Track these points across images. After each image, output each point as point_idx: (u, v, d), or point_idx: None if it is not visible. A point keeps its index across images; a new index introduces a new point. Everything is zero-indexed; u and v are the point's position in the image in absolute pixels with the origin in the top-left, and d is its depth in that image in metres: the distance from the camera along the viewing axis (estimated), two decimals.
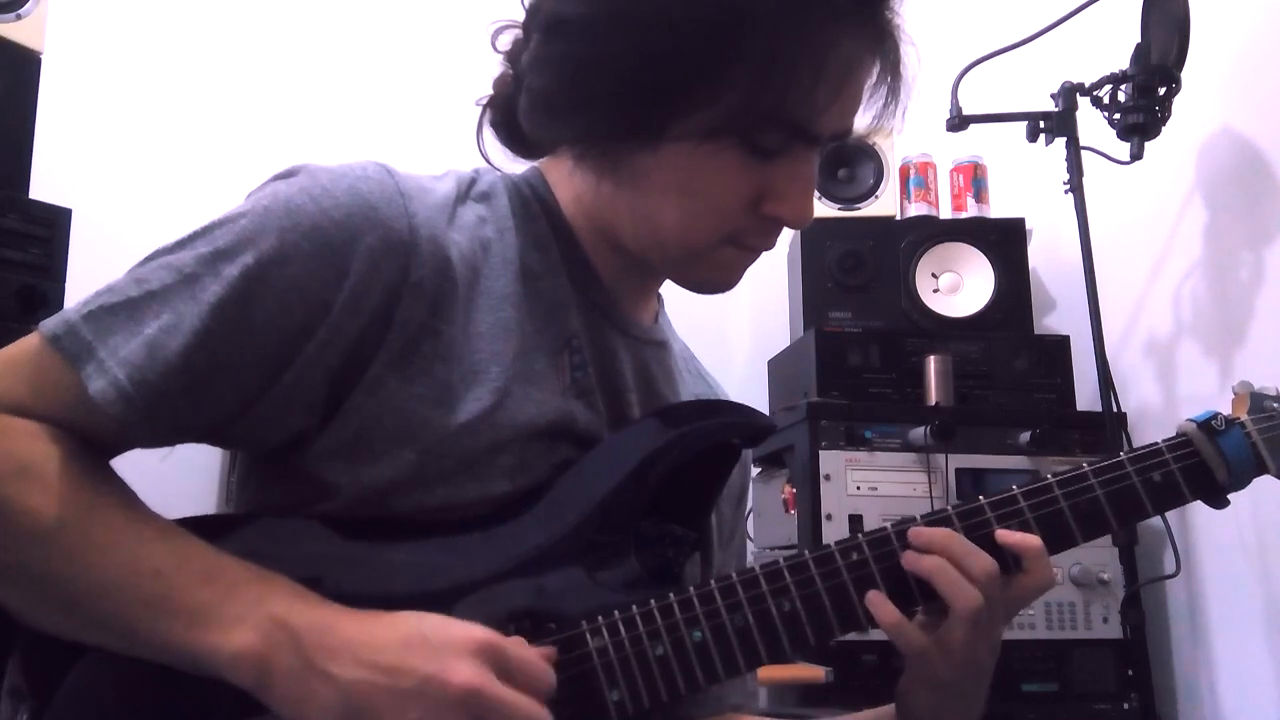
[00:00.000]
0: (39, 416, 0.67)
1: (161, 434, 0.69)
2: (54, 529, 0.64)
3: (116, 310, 0.67)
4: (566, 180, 0.81)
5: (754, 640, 0.71)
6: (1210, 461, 0.77)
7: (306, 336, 0.68)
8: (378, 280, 0.69)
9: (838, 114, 0.72)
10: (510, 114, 0.79)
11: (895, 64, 0.75)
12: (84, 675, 0.67)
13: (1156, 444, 0.78)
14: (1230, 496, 0.79)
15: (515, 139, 0.83)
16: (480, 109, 0.83)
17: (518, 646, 0.64)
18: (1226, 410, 0.80)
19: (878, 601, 0.73)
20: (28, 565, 0.65)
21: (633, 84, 0.69)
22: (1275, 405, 0.79)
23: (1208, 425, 0.77)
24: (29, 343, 0.69)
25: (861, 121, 0.76)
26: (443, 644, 0.61)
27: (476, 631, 0.62)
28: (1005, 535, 0.74)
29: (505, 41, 0.81)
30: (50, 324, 0.68)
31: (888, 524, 0.75)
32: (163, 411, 0.67)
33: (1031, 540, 0.74)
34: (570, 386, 0.77)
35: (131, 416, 0.66)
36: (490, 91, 0.83)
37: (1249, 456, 0.77)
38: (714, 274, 0.78)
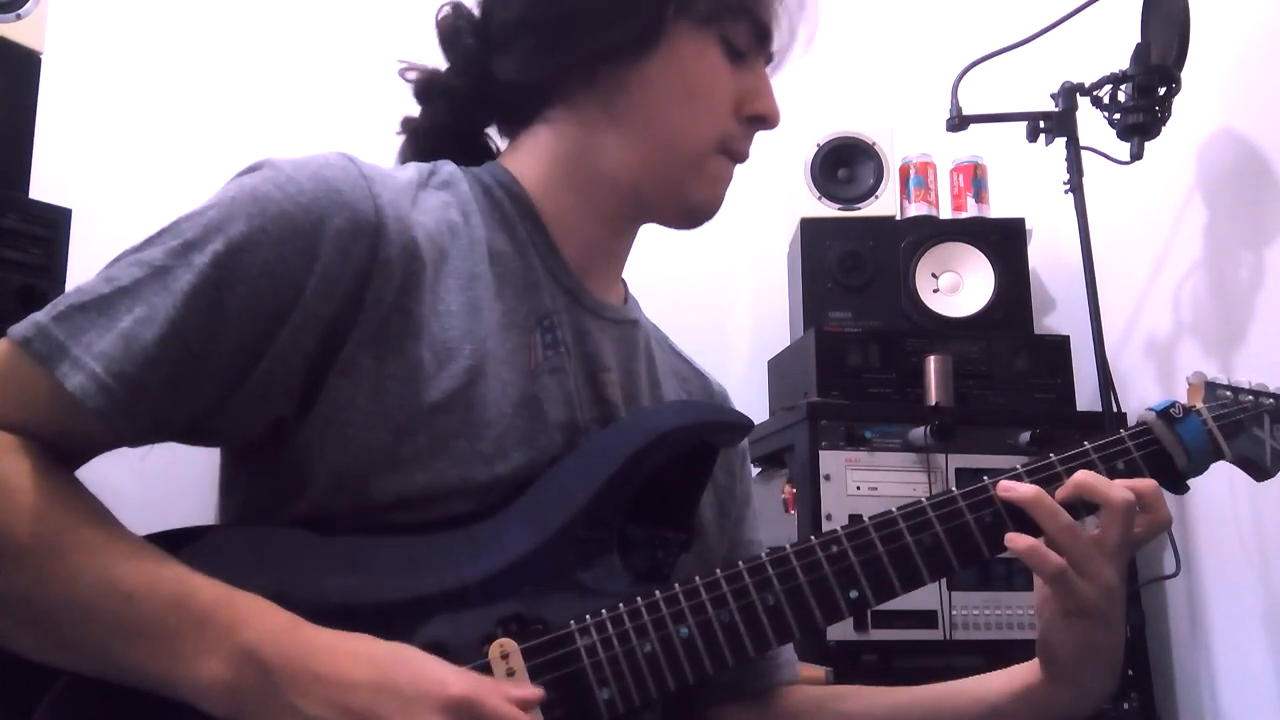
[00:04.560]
0: (12, 425, 0.66)
1: (143, 428, 0.69)
2: (27, 548, 0.63)
3: (87, 308, 0.67)
4: (532, 161, 0.84)
5: (740, 634, 0.71)
6: (1170, 448, 0.80)
7: (280, 321, 0.68)
8: (348, 262, 0.69)
9: (780, 17, 0.84)
10: (471, 100, 0.86)
11: None
12: (62, 701, 0.66)
13: (1119, 433, 0.80)
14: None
15: (496, 113, 0.88)
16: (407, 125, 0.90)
17: (495, 699, 0.61)
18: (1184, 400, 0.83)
19: (1012, 536, 0.75)
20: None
21: None
22: (1229, 394, 0.83)
23: (1166, 413, 0.81)
24: None
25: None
26: (415, 695, 0.59)
27: (453, 685, 0.60)
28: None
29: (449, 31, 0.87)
30: (19, 328, 0.67)
31: (865, 517, 0.76)
32: (143, 403, 0.67)
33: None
34: (541, 364, 0.78)
35: (113, 410, 0.66)
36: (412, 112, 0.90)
37: (1206, 442, 0.80)
38: (707, 190, 0.84)
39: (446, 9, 0.88)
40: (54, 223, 1.51)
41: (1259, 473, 0.82)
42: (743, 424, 0.83)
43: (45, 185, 1.60)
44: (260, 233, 0.68)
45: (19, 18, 1.58)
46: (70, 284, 1.54)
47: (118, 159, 2.13)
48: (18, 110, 1.58)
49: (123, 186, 2.10)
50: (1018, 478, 0.77)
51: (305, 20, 2.34)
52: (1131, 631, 1.62)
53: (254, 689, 0.60)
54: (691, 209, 0.85)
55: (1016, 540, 0.74)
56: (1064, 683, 0.79)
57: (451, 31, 0.87)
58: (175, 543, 0.67)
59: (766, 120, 0.84)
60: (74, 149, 2.04)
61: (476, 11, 0.86)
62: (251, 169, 0.72)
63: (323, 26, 2.35)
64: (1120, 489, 0.75)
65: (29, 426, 0.67)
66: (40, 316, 0.67)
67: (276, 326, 0.68)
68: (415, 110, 0.91)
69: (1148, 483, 0.77)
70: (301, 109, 2.27)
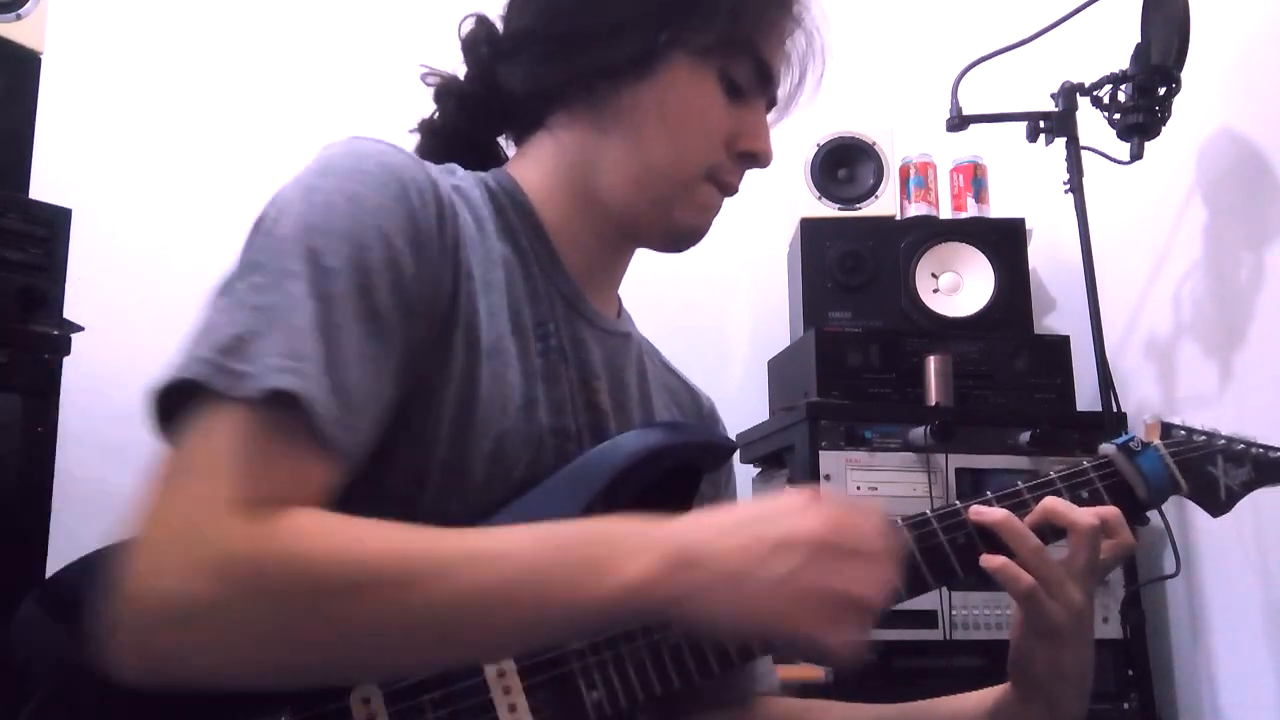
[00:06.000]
0: (281, 495, 0.61)
1: (358, 451, 0.66)
2: (391, 578, 0.59)
3: (270, 338, 0.62)
4: (535, 168, 0.86)
5: (726, 642, 0.72)
6: (1131, 479, 0.84)
7: (409, 312, 0.70)
8: (445, 262, 0.73)
9: (789, 60, 0.87)
10: (481, 105, 0.88)
11: (811, 34, 0.88)
12: (45, 709, 0.64)
13: (1083, 464, 0.84)
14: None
15: (503, 119, 0.89)
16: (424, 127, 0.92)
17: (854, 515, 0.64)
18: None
19: (986, 557, 0.78)
20: (394, 629, 0.59)
21: (636, 8, 0.80)
22: (1183, 433, 0.88)
23: (1126, 447, 0.85)
24: (228, 423, 0.60)
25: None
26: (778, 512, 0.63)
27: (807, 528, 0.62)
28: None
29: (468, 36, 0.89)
30: (246, 387, 0.60)
31: None
32: (360, 419, 0.65)
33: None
34: (539, 370, 0.80)
35: (352, 448, 0.64)
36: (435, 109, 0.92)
37: (1165, 476, 0.85)
38: (693, 216, 0.85)
39: (470, 19, 0.89)
40: (54, 223, 1.51)
41: (1215, 508, 0.86)
42: (727, 447, 0.86)
43: (45, 185, 1.60)
44: (388, 242, 0.68)
45: (19, 18, 1.58)
46: (70, 284, 1.54)
47: (118, 159, 2.12)
48: (18, 110, 1.58)
49: (123, 186, 2.09)
50: (988, 503, 0.80)
51: (304, 20, 2.34)
52: (1131, 631, 1.62)
53: (683, 572, 0.60)
54: (675, 233, 0.86)
55: (990, 560, 0.78)
56: (1035, 702, 0.81)
57: (471, 41, 0.89)
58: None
59: (758, 159, 0.86)
60: (74, 149, 2.03)
61: (499, 24, 0.88)
62: (345, 173, 0.71)
63: (322, 26, 2.35)
64: (1086, 514, 0.78)
65: (295, 495, 0.61)
66: (264, 378, 0.60)
67: (409, 319, 0.70)
68: (422, 112, 0.93)
69: (1112, 509, 0.80)
70: (301, 109, 2.26)
